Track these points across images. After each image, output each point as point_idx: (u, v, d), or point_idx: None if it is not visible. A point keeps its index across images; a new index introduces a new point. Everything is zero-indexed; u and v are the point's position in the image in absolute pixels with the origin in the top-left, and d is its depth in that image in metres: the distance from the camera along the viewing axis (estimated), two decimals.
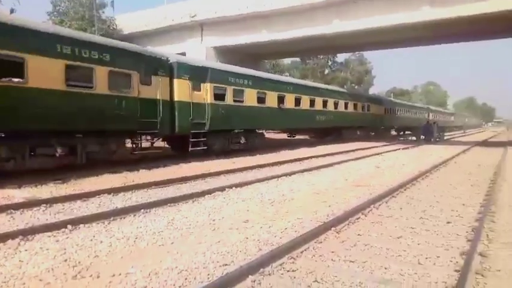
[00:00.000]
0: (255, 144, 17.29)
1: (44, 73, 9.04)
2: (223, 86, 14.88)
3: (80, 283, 3.51)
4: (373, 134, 32.48)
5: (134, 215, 5.99)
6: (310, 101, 21.62)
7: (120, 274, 3.69)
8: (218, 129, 14.53)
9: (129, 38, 28.23)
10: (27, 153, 9.13)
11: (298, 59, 64.78)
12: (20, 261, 3.98)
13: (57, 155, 9.61)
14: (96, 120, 10.28)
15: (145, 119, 11.34)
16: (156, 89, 11.86)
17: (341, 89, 30.58)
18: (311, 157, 14.77)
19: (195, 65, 13.85)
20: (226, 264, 3.93)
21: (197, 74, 13.58)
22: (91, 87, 10.11)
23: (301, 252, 4.27)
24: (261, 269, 3.69)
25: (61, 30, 10.70)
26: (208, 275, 3.68)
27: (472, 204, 6.84)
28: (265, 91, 17.45)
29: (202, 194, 7.50)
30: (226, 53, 29.69)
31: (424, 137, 28.21)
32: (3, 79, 8.39)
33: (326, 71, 70.07)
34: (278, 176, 9.79)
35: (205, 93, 13.92)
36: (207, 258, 4.10)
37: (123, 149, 11.76)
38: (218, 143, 14.82)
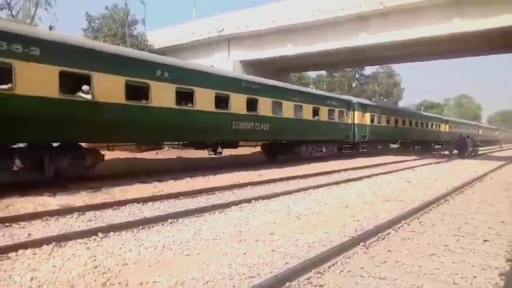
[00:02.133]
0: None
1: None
2: (374, 114, 25.98)
3: None
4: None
5: (162, 225, 6.07)
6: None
7: (147, 283, 3.73)
8: (372, 140, 25.32)
9: (160, 52, 29.18)
10: None
11: (324, 72, 64.54)
12: (53, 266, 4.11)
13: None
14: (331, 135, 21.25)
15: (347, 134, 22.53)
16: (349, 117, 23.04)
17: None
18: (339, 170, 14.54)
19: (362, 103, 25.25)
20: (252, 277, 3.89)
21: (363, 108, 24.47)
22: (332, 119, 21.03)
23: (329, 267, 4.17)
24: (288, 283, 3.63)
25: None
26: (234, 287, 3.66)
27: (511, 223, 6.47)
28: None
29: (229, 205, 7.52)
30: (253, 67, 30.05)
31: (456, 151, 27.17)
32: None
33: (353, 84, 69.40)
34: (305, 189, 9.68)
35: (367, 119, 24.81)
36: (233, 270, 4.08)
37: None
38: (370, 147, 25.59)
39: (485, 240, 5.36)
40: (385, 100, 65.28)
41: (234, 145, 16.78)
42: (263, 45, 28.60)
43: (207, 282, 3.73)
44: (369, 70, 70.14)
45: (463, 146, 26.87)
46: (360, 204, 7.98)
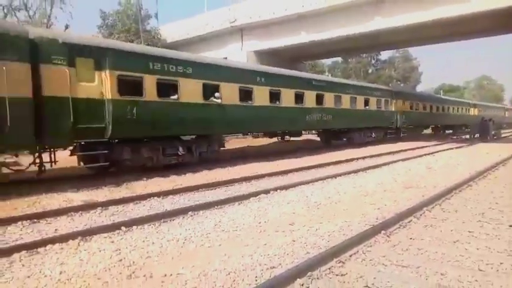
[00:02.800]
0: None
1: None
2: (412, 101, 28.31)
3: (135, 282, 3.67)
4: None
5: (183, 217, 6.17)
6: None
7: (171, 274, 3.81)
8: (411, 125, 28.86)
9: (173, 46, 29.30)
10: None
11: (339, 59, 63.55)
12: (80, 260, 4.24)
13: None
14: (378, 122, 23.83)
15: (391, 120, 24.94)
16: (392, 106, 25.17)
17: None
18: (357, 158, 14.39)
19: (402, 92, 28.75)
20: (273, 267, 3.92)
21: (403, 97, 26.95)
22: (380, 108, 23.75)
23: (350, 256, 4.16)
24: (309, 273, 3.64)
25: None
26: (256, 277, 3.70)
27: None
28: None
29: (248, 196, 7.57)
30: (266, 56, 29.87)
31: (478, 135, 26.46)
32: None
33: (369, 70, 68.16)
34: (324, 178, 9.64)
35: (406, 106, 27.17)
36: (254, 261, 4.12)
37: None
38: (410, 132, 29.31)
39: (510, 226, 5.24)
40: (402, 85, 63.99)
41: (299, 135, 21.52)
42: (276, 34, 28.34)
43: (229, 273, 3.78)
44: (385, 55, 68.67)
45: (485, 129, 26.16)
46: (380, 192, 7.90)
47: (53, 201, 7.44)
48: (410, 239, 4.77)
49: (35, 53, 8.37)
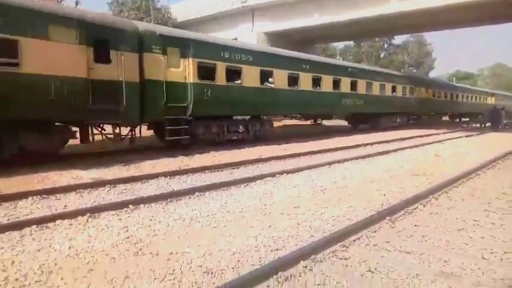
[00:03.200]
0: None
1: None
2: (434, 89, 30.30)
3: (141, 259, 3.75)
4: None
5: (189, 198, 6.25)
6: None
7: (177, 253, 3.88)
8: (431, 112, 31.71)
9: (183, 25, 29.03)
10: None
11: (351, 43, 62.43)
12: (89, 236, 4.34)
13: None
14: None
15: (415, 106, 26.51)
16: (415, 93, 26.91)
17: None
18: (365, 144, 14.32)
19: (424, 80, 31.39)
20: (278, 249, 3.97)
21: (424, 84, 28.73)
22: (405, 95, 25.34)
23: (354, 240, 4.19)
24: (313, 256, 3.68)
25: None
26: (260, 258, 3.75)
27: None
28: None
29: (254, 179, 7.61)
30: (277, 38, 29.46)
31: (490, 123, 26.05)
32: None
33: (382, 54, 66.94)
34: (330, 163, 9.63)
35: (429, 94, 29.02)
36: (259, 242, 4.17)
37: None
38: (429, 119, 31.65)
39: None
40: (414, 71, 62.91)
41: (329, 117, 25.19)
42: (288, 16, 27.88)
43: (233, 254, 3.84)
44: (398, 39, 67.20)
45: (496, 118, 25.74)
46: (386, 178, 7.88)
47: (62, 178, 7.57)
48: (415, 225, 4.77)
49: (141, 44, 10.37)
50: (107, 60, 9.56)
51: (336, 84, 18.50)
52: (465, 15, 25.07)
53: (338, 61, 22.11)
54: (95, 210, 5.25)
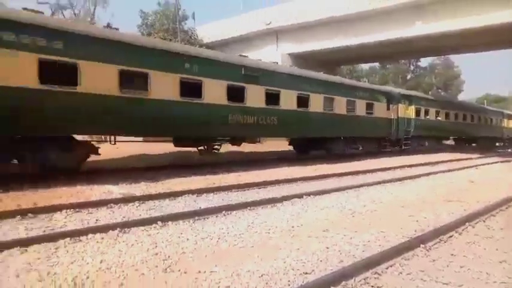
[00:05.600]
0: None
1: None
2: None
3: (170, 276, 3.75)
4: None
5: (216, 216, 6.25)
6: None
7: (205, 272, 3.86)
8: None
9: (209, 47, 29.83)
10: None
11: (377, 64, 61.99)
12: (119, 251, 4.40)
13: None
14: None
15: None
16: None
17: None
18: (395, 167, 13.96)
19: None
20: (306, 273, 3.88)
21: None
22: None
23: (387, 268, 4.03)
24: (344, 282, 3.58)
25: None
26: (289, 281, 3.68)
27: None
28: None
29: (280, 199, 7.54)
30: (302, 59, 29.72)
31: None
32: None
33: (408, 76, 65.98)
34: (359, 186, 9.43)
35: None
36: (287, 265, 4.09)
37: None
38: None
39: None
40: (443, 93, 61.49)
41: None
42: (313, 37, 28.14)
43: (262, 276, 3.78)
44: (425, 61, 66.15)
45: None
46: (418, 203, 7.61)
47: (95, 192, 7.78)
48: (452, 255, 4.55)
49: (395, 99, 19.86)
50: (388, 108, 19.19)
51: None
52: (493, 38, 24.47)
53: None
54: (125, 225, 5.34)
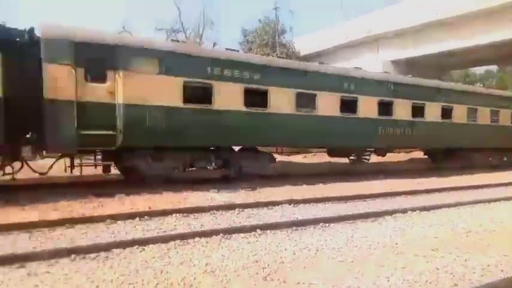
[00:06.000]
0: None
1: None
2: None
3: (269, 285, 3.83)
4: None
5: (314, 228, 6.19)
6: None
7: (304, 283, 3.85)
8: None
9: (306, 58, 29.97)
10: None
11: (494, 67, 54.83)
12: (222, 255, 4.66)
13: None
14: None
15: None
16: None
17: None
18: None
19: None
20: None
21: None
22: None
23: None
24: None
25: None
26: None
27: None
28: None
29: (382, 214, 7.14)
30: (406, 66, 27.98)
31: None
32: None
33: None
34: (475, 202, 8.42)
35: None
36: (392, 284, 3.85)
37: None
38: None
39: None
40: None
41: None
42: (418, 42, 26.33)
43: None
44: None
45: None
46: None
47: (199, 199, 8.38)
48: None
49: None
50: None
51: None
52: None
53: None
54: (227, 231, 5.63)
